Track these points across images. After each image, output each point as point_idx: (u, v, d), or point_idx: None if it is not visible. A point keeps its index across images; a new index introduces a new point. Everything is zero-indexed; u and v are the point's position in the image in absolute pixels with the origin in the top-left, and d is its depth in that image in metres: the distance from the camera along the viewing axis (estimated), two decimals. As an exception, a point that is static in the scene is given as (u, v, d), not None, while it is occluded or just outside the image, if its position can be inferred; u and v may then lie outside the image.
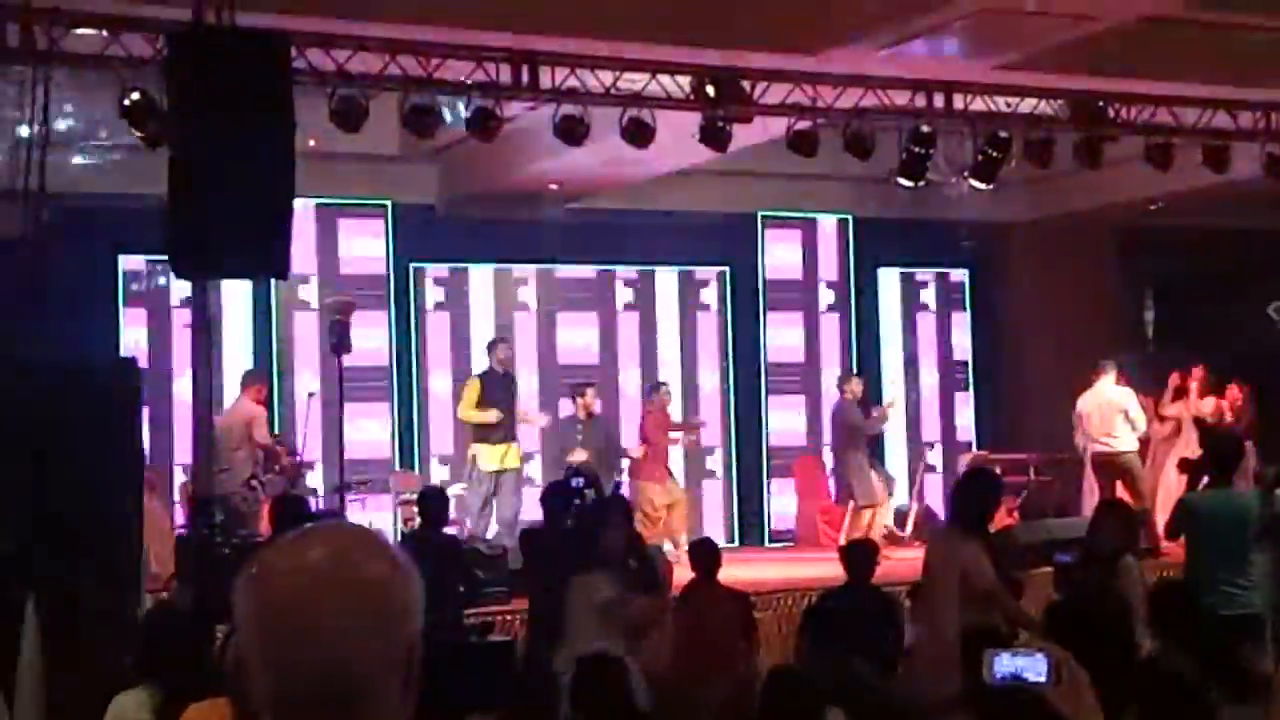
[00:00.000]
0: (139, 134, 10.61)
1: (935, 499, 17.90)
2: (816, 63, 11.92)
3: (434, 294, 16.38)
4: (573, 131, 11.73)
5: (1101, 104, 13.22)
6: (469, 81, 11.33)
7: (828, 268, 18.01)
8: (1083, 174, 14.29)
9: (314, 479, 14.36)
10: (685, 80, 11.90)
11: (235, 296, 14.90)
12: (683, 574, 9.99)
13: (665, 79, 11.81)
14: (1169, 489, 13.92)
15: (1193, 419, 15.37)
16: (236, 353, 14.97)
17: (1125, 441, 14.47)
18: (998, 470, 11.77)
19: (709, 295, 17.57)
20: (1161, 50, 11.96)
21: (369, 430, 15.51)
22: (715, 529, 15.91)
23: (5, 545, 8.04)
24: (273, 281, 14.14)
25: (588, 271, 17.03)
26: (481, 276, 16.57)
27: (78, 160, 12.49)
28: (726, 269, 17.60)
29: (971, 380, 18.68)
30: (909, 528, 16.32)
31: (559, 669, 7.82)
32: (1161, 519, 11.53)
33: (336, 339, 12.82)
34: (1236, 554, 8.70)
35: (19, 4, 9.86)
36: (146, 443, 11.15)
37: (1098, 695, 5.00)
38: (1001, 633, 6.33)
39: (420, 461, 16.00)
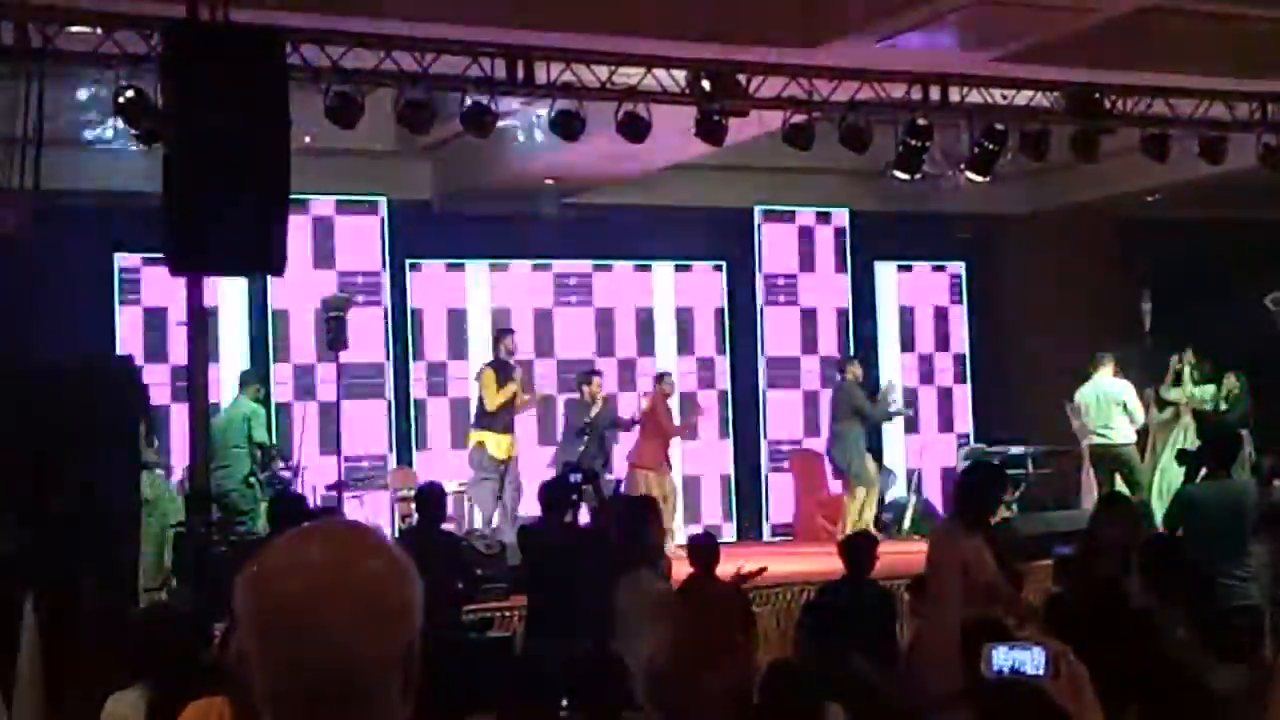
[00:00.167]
0: (134, 131, 10.59)
1: (933, 493, 17.92)
2: (812, 56, 11.91)
3: (430, 290, 16.36)
4: (568, 127, 11.72)
5: (1098, 96, 13.21)
6: (464, 77, 11.31)
7: (824, 262, 18.01)
8: (1079, 166, 14.28)
9: (311, 476, 14.33)
10: (681, 74, 11.89)
11: (231, 293, 14.89)
12: (680, 569, 9.97)
13: (661, 73, 11.80)
14: (1169, 479, 13.94)
15: (1192, 409, 15.38)
16: (232, 350, 14.96)
17: (1123, 433, 14.49)
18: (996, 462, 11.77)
19: (706, 290, 17.56)
20: (1157, 42, 11.95)
21: (366, 427, 15.51)
22: (714, 523, 15.91)
23: (3, 545, 8.03)
24: (269, 278, 14.14)
25: (584, 266, 17.02)
26: (477, 272, 16.56)
27: (72, 158, 12.45)
28: (723, 263, 17.60)
29: (969, 373, 18.69)
30: (906, 522, 16.32)
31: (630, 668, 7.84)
32: (1160, 509, 11.55)
33: (333, 336, 12.81)
34: (1235, 545, 8.70)
35: (13, 1, 9.84)
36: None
37: (1097, 690, 4.99)
38: (1003, 626, 6.31)
39: (417, 458, 15.99)
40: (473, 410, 14.56)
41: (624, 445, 15.10)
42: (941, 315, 18.70)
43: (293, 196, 9.15)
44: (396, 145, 14.59)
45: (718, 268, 17.60)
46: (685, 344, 17.42)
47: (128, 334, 14.83)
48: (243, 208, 8.60)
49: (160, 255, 9.75)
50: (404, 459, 15.84)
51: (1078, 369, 15.05)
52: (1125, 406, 14.47)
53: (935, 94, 12.80)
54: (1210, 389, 15.55)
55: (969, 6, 10.84)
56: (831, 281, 18.03)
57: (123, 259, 14.90)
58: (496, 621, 10.87)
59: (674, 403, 16.07)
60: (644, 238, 16.70)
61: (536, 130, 13.30)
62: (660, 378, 15.65)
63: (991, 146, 13.15)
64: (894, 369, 18.15)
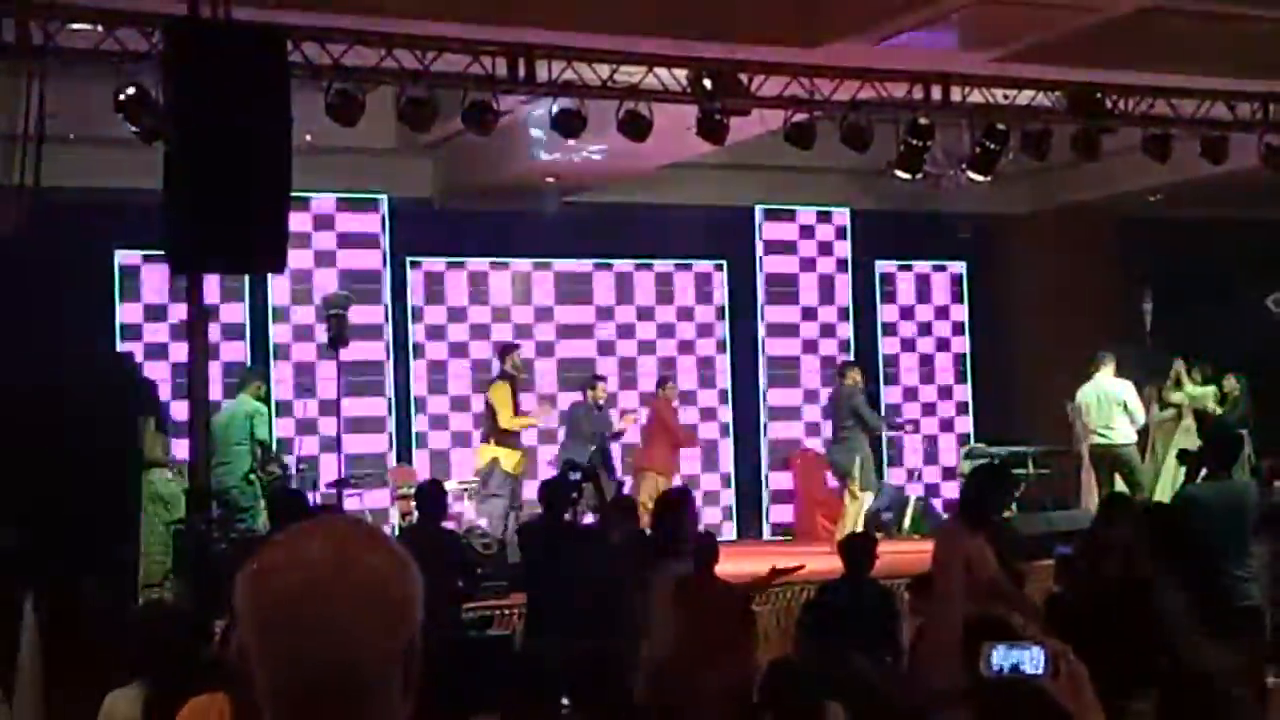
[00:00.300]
0: (135, 128, 10.58)
1: (933, 493, 17.93)
2: (814, 55, 11.90)
3: (431, 288, 16.36)
4: (570, 125, 11.72)
5: (1099, 95, 13.20)
6: (466, 74, 11.31)
7: (825, 261, 18.01)
8: (1081, 166, 14.28)
9: (311, 473, 14.33)
10: (682, 73, 11.88)
11: (231, 291, 14.89)
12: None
13: (662, 72, 11.80)
14: (1170, 479, 13.94)
15: (1193, 410, 15.39)
16: (233, 347, 14.96)
17: (1123, 433, 14.48)
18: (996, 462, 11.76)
19: (706, 289, 17.56)
20: (1159, 41, 11.94)
21: (366, 424, 15.51)
22: (713, 523, 15.91)
23: (3, 543, 8.03)
24: (269, 276, 14.14)
25: (584, 265, 17.01)
26: (478, 270, 16.56)
27: (73, 155, 12.45)
28: (724, 262, 17.59)
29: (970, 372, 18.68)
30: (906, 521, 16.32)
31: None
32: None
33: (334, 333, 12.80)
34: (1236, 546, 8.69)
35: (14, -2, 9.85)
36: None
37: (1097, 689, 4.99)
38: (1004, 625, 6.31)
39: (416, 456, 15.99)
40: (482, 422, 14.52)
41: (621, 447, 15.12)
42: (942, 315, 18.70)
43: (293, 194, 9.14)
44: (397, 143, 14.59)
45: (718, 266, 17.59)
46: (686, 343, 17.41)
47: (127, 331, 14.82)
48: (244, 205, 8.59)
49: (160, 253, 9.75)
50: (404, 457, 15.84)
51: (1078, 369, 15.04)
52: (1126, 406, 14.46)
53: (937, 93, 12.79)
54: (1210, 390, 15.56)
55: (970, 6, 10.84)
56: (832, 281, 18.02)
57: (123, 256, 14.90)
58: (496, 619, 10.87)
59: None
60: (645, 236, 16.70)
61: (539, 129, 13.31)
62: (663, 382, 15.64)
63: (993, 146, 13.14)
64: (894, 368, 18.15)
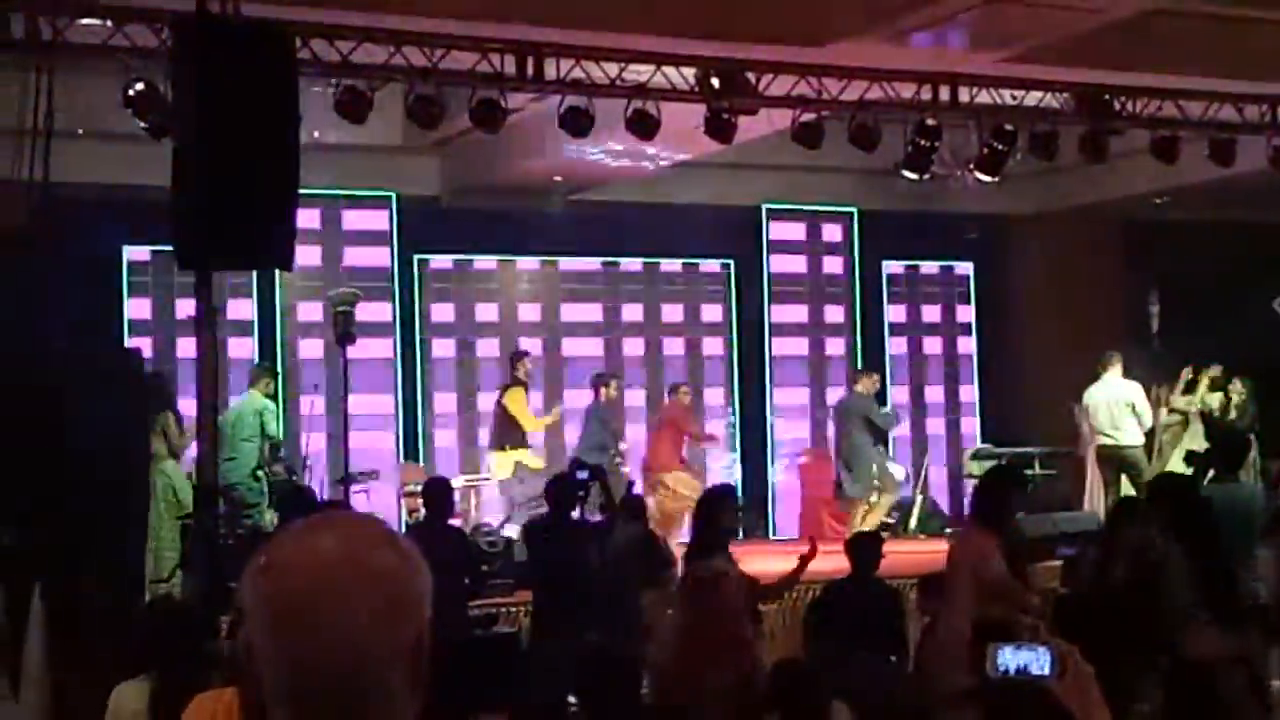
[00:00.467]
0: (143, 124, 10.59)
1: (939, 493, 17.92)
2: (821, 55, 11.90)
3: (438, 286, 16.36)
4: (577, 123, 11.72)
5: (1107, 97, 13.19)
6: (474, 72, 11.31)
7: (832, 261, 18.00)
8: (1088, 167, 14.26)
9: (319, 471, 14.33)
10: (690, 72, 11.88)
11: (239, 287, 14.90)
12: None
13: (670, 71, 11.80)
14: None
15: (1199, 413, 15.37)
16: (241, 344, 14.97)
17: (1131, 435, 14.46)
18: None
19: (713, 288, 17.55)
20: (1167, 43, 11.93)
21: (373, 422, 15.51)
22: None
23: (11, 538, 8.04)
24: (277, 273, 14.14)
25: (592, 264, 17.01)
26: (485, 268, 16.56)
27: (81, 150, 12.46)
28: (731, 262, 17.58)
29: (976, 374, 18.67)
30: (913, 522, 16.31)
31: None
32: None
33: (341, 330, 12.81)
34: (1242, 549, 8.68)
35: (24, -6, 9.86)
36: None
37: (1103, 689, 4.99)
38: (1011, 626, 6.31)
39: (424, 453, 16.00)
40: (494, 430, 14.54)
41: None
42: (949, 315, 18.68)
43: (301, 191, 9.14)
44: (405, 141, 14.59)
45: (725, 266, 17.59)
46: (692, 342, 17.40)
47: (135, 327, 14.83)
48: (252, 202, 8.59)
49: (169, 248, 9.75)
50: (411, 454, 15.85)
51: (1085, 370, 15.02)
52: (1134, 408, 14.44)
53: (945, 94, 12.79)
54: (1217, 394, 15.54)
55: (979, 7, 10.83)
56: (839, 281, 18.01)
57: (131, 252, 14.91)
58: (503, 617, 10.88)
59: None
60: (652, 235, 16.69)
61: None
62: (675, 388, 15.66)
63: (1000, 147, 13.14)
64: (900, 369, 18.15)
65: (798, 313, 17.81)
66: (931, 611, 8.44)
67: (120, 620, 7.89)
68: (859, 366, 16.83)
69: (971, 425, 18.58)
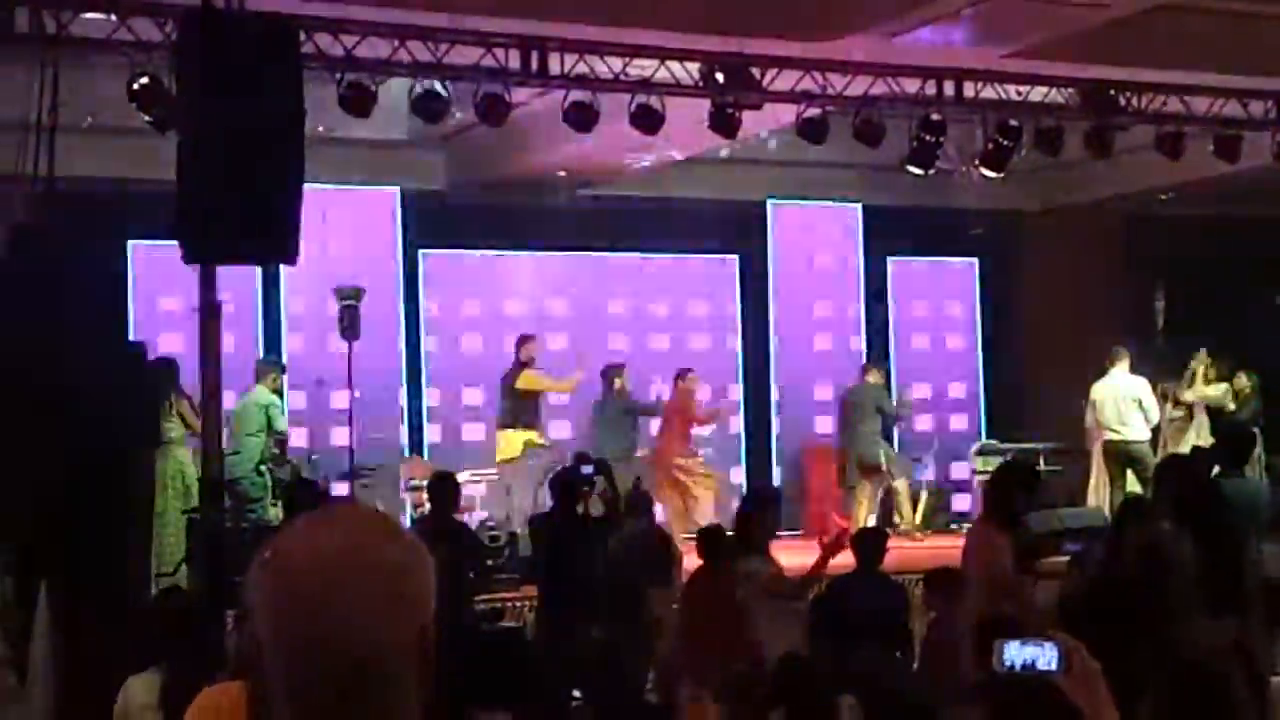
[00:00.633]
0: (148, 118, 10.59)
1: (943, 487, 17.91)
2: (826, 50, 11.90)
3: (443, 280, 16.36)
4: (582, 118, 11.71)
5: (1112, 92, 13.19)
6: (478, 67, 11.31)
7: (837, 256, 17.99)
8: (1093, 163, 14.25)
9: (324, 465, 14.34)
10: (695, 67, 11.88)
11: (244, 282, 14.89)
12: (691, 561, 9.97)
13: (675, 65, 11.79)
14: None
15: (1205, 408, 15.37)
16: (244, 338, 14.96)
17: (1137, 430, 14.46)
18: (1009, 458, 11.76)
19: (718, 283, 17.54)
20: (1172, 39, 11.91)
21: (378, 416, 15.52)
22: (725, 516, 15.88)
23: (17, 531, 8.04)
24: (281, 267, 14.13)
25: (596, 258, 17.00)
26: (490, 262, 16.56)
27: (86, 144, 12.46)
28: (735, 257, 17.58)
29: (981, 369, 18.66)
30: (918, 516, 16.32)
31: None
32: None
33: (346, 325, 12.82)
34: (1249, 544, 8.66)
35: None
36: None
37: (1110, 686, 4.97)
38: (1016, 622, 6.30)
39: (429, 447, 16.00)
40: (503, 410, 14.55)
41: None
42: (954, 311, 18.67)
43: (306, 186, 9.13)
44: (409, 135, 14.59)
45: (730, 260, 17.58)
46: (697, 336, 17.40)
47: (140, 321, 14.82)
48: (256, 196, 8.58)
49: (173, 242, 9.74)
50: (416, 449, 15.85)
51: (1090, 366, 15.02)
52: (1141, 403, 14.44)
53: (950, 89, 12.78)
54: (1222, 387, 15.53)
55: (984, 2, 10.82)
56: (844, 276, 18.00)
57: (135, 246, 14.90)
58: (508, 611, 10.89)
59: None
60: (656, 230, 16.68)
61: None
62: (682, 374, 15.67)
63: (1005, 142, 13.14)
64: (906, 364, 18.15)
65: (802, 308, 17.79)
66: (937, 607, 8.44)
67: (126, 614, 7.89)
68: (866, 359, 16.85)
69: (976, 421, 18.57)
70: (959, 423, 18.54)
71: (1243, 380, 15.56)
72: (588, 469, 10.48)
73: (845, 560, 9.61)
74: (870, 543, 9.48)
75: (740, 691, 6.78)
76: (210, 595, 8.15)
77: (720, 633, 8.75)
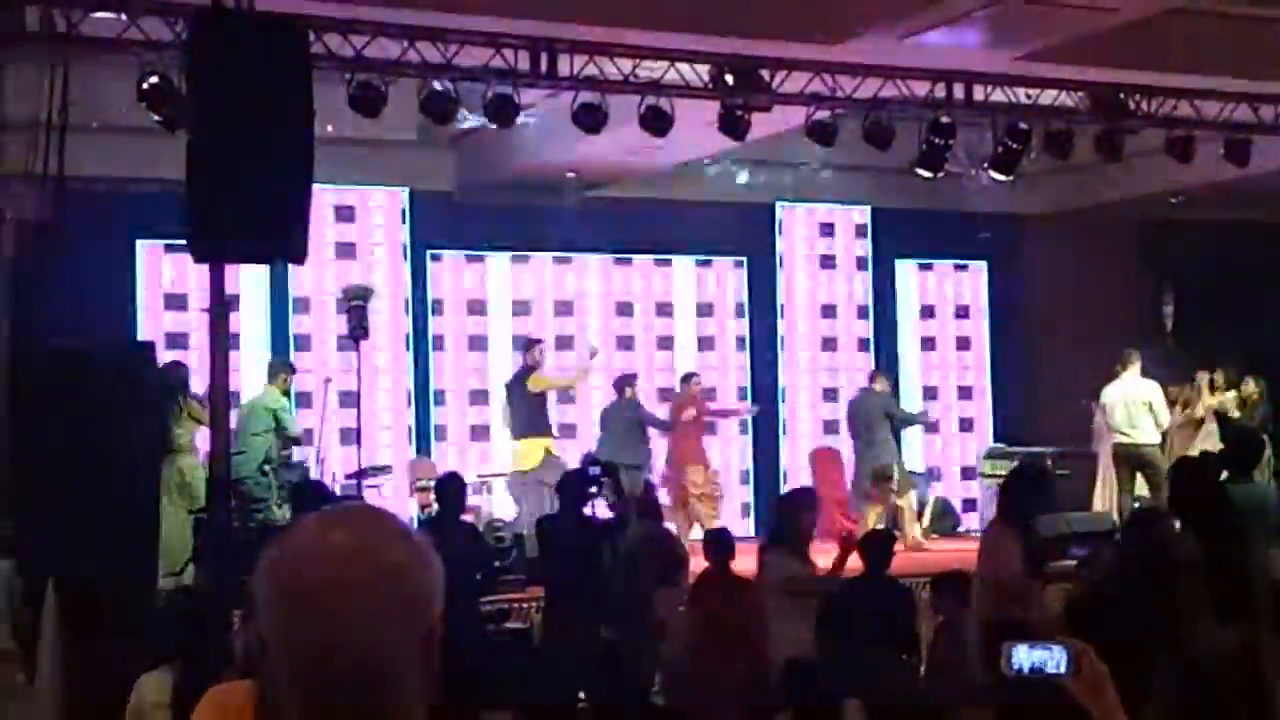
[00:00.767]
0: (157, 118, 10.61)
1: (952, 493, 17.90)
2: (836, 52, 11.89)
3: (451, 281, 16.37)
4: (591, 119, 11.71)
5: (1122, 96, 13.17)
6: (488, 68, 11.32)
7: (845, 258, 17.98)
8: (1103, 167, 14.24)
9: (332, 465, 14.34)
10: (704, 69, 11.87)
11: (252, 281, 14.91)
12: (698, 564, 9.96)
13: (684, 67, 11.79)
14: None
15: (1213, 413, 15.35)
16: (253, 338, 14.98)
17: (1148, 434, 14.44)
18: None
19: (726, 285, 17.54)
20: (1183, 43, 11.90)
21: (385, 417, 15.53)
22: (732, 520, 15.89)
23: (25, 531, 8.06)
24: (290, 266, 14.14)
25: (604, 260, 17.00)
26: (498, 264, 16.57)
27: (95, 143, 12.48)
28: (744, 259, 17.57)
29: (989, 373, 18.65)
30: (925, 521, 16.31)
31: None
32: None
33: (354, 325, 12.82)
34: (1258, 549, 8.65)
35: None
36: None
37: (1119, 690, 4.96)
38: (1023, 626, 6.30)
39: (435, 449, 16.01)
40: (516, 420, 14.54)
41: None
42: (962, 314, 18.66)
43: (314, 185, 9.13)
44: (418, 135, 14.59)
45: (738, 263, 17.57)
46: (705, 339, 17.40)
47: (148, 320, 14.84)
48: (265, 196, 8.57)
49: (182, 242, 9.76)
50: (423, 450, 15.86)
51: (1098, 369, 15.00)
52: (1151, 406, 14.42)
53: (959, 92, 12.78)
54: (1230, 395, 15.51)
55: (994, 5, 10.81)
56: (852, 279, 17.99)
57: (144, 245, 14.92)
58: (514, 613, 10.89)
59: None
60: (665, 232, 16.68)
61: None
62: (687, 379, 15.70)
63: (1015, 146, 13.12)
64: (914, 368, 18.14)
65: (811, 311, 17.78)
66: (946, 611, 8.43)
67: (133, 613, 7.90)
68: (874, 365, 16.86)
69: (984, 424, 18.55)
70: (966, 426, 18.52)
71: (1250, 386, 15.53)
72: (595, 470, 10.48)
73: (853, 564, 9.61)
74: (878, 546, 9.48)
75: (746, 694, 6.78)
76: (217, 594, 8.14)
77: (727, 635, 8.75)
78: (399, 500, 14.80)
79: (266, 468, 12.80)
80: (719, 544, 9.56)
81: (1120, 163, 13.74)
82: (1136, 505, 13.87)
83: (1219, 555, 6.27)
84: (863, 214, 17.93)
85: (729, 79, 11.86)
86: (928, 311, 18.51)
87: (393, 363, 15.72)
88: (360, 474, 13.04)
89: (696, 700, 8.32)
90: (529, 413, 14.37)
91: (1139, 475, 14.48)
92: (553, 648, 9.45)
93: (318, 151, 8.87)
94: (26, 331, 9.34)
